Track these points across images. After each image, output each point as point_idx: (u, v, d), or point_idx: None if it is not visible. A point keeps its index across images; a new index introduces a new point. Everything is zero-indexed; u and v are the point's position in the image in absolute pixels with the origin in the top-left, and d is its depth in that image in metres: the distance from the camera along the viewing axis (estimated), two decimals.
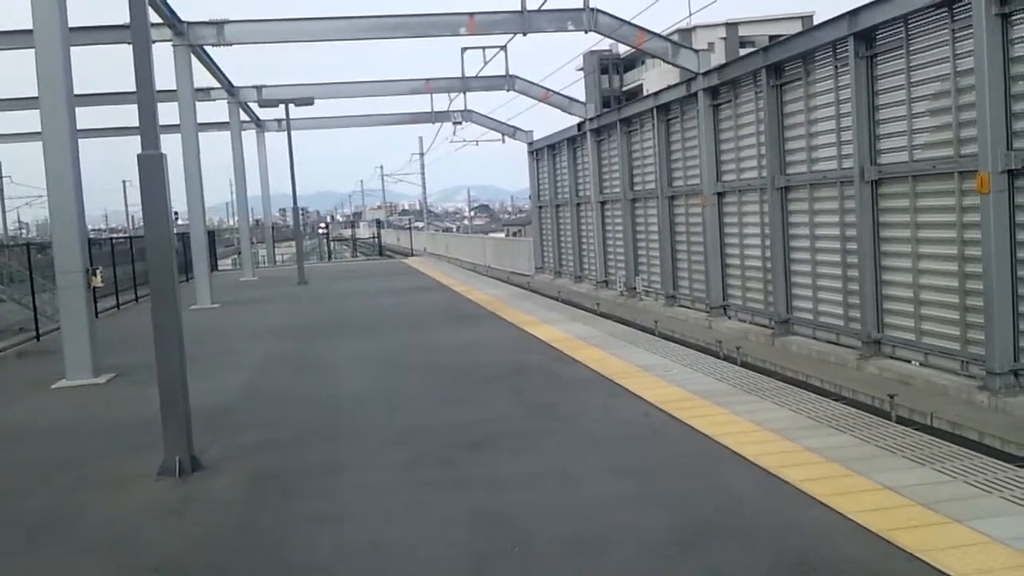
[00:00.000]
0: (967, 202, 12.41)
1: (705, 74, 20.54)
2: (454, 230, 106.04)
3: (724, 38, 71.14)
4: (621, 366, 11.72)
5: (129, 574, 5.69)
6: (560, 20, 22.53)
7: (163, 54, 21.98)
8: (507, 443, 8.27)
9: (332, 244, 65.37)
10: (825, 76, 15.97)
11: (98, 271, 13.15)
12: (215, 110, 37.71)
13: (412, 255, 55.75)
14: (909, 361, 13.75)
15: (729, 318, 20.40)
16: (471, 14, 22.81)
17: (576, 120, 31.06)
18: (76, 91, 13.07)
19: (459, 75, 32.03)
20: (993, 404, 11.46)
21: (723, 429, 8.22)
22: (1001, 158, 11.46)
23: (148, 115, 7.92)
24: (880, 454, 7.19)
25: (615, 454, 7.76)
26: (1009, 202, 11.56)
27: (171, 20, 22.52)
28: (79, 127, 13.06)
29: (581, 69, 75.79)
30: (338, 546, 5.91)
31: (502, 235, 73.60)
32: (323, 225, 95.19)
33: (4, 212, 73.83)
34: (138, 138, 7.95)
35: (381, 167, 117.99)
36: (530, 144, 37.96)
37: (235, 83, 33.77)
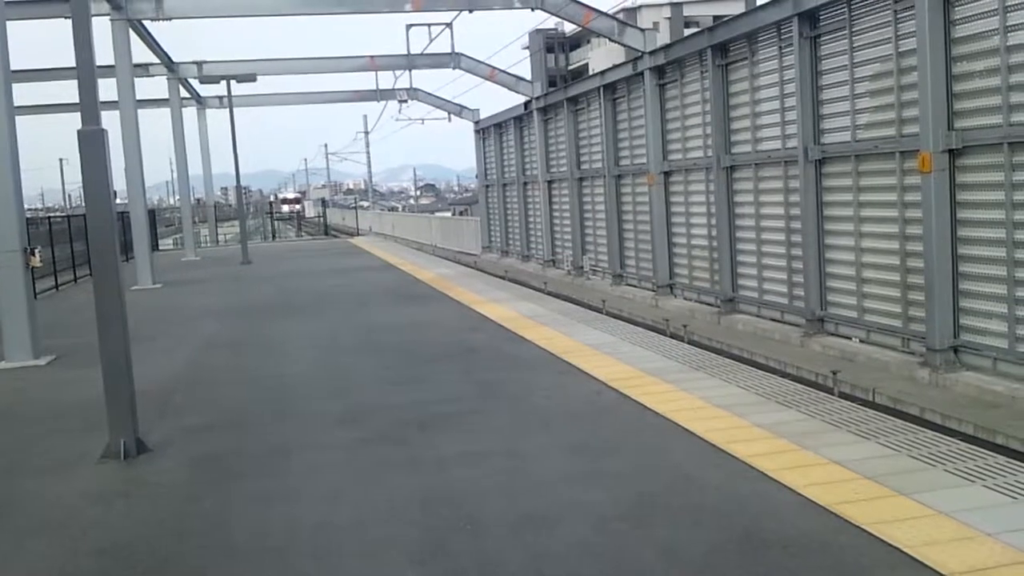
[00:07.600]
0: (908, 181, 12.59)
1: (651, 53, 20.56)
2: (400, 209, 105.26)
3: (669, 18, 71.24)
4: (570, 344, 11.76)
5: (74, 557, 5.58)
6: None
7: (100, 28, 21.38)
8: (457, 422, 8.26)
9: (276, 224, 64.61)
10: (770, 56, 16.08)
11: (36, 250, 12.86)
12: (154, 86, 37.02)
13: (358, 235, 55.28)
14: (850, 338, 13.97)
15: (676, 297, 20.55)
16: None
17: (523, 99, 30.95)
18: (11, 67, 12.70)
19: (404, 52, 31.73)
20: (933, 380, 11.68)
21: (672, 406, 8.29)
22: (942, 138, 11.62)
23: (88, 89, 7.73)
24: (826, 429, 7.30)
25: (566, 432, 7.79)
26: (950, 181, 11.73)
27: None
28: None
29: (527, 48, 75.52)
30: (287, 528, 5.84)
31: (448, 214, 73.34)
32: (293, 198, 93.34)
33: None
34: (74, 115, 7.79)
35: (326, 145, 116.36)
36: (476, 123, 37.77)
37: (175, 59, 33.10)
